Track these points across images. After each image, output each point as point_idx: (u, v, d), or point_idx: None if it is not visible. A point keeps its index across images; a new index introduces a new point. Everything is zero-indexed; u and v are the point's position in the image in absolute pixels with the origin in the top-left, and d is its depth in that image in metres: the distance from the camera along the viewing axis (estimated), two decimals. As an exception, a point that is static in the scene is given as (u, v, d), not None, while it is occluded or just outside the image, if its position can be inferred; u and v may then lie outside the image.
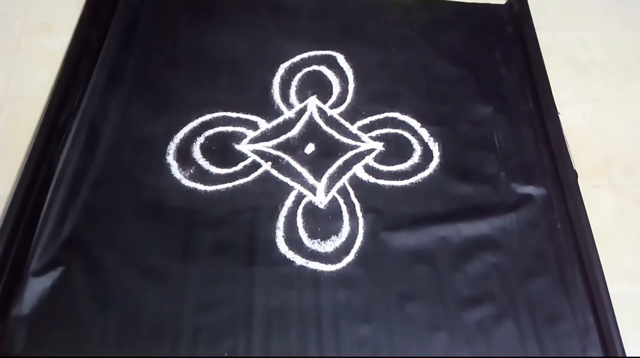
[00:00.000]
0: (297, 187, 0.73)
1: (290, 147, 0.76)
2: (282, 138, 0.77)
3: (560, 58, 0.90)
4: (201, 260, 0.67)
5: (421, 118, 0.80)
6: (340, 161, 0.75)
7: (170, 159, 0.74)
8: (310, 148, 0.76)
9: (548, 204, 0.74)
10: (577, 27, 0.94)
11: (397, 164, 0.76)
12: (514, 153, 0.78)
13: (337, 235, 0.70)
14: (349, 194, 0.73)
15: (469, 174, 0.75)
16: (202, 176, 0.72)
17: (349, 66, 0.84)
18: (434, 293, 0.67)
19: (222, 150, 0.75)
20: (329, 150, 0.76)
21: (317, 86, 0.82)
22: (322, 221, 0.71)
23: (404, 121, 0.80)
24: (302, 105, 0.80)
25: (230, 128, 0.76)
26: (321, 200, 0.72)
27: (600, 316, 0.65)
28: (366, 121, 0.79)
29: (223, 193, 0.72)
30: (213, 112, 0.78)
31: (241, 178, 0.73)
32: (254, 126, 0.77)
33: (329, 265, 0.67)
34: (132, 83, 0.80)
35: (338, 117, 0.79)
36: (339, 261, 0.68)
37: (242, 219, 0.70)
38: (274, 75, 0.82)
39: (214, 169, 0.73)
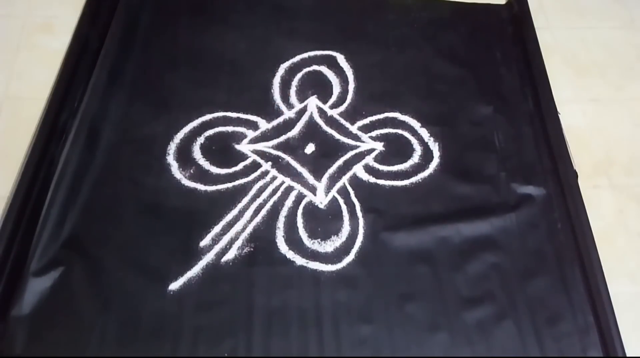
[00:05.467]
0: (297, 187, 0.73)
1: (291, 147, 0.76)
2: (282, 138, 0.77)
3: (560, 58, 0.90)
4: (201, 259, 0.67)
5: (421, 118, 0.80)
6: (340, 161, 0.75)
7: (171, 159, 0.74)
8: (310, 148, 0.76)
9: (548, 205, 0.74)
10: (577, 27, 0.95)
11: (397, 164, 0.76)
12: (514, 153, 0.78)
13: (337, 235, 0.70)
14: (349, 194, 0.73)
15: (469, 174, 0.75)
16: (202, 176, 0.72)
17: (349, 66, 0.84)
18: (434, 293, 0.67)
19: (223, 150, 0.75)
20: (329, 150, 0.76)
21: (317, 86, 0.82)
22: (322, 221, 0.71)
23: (404, 121, 0.80)
24: (302, 105, 0.80)
25: (230, 128, 0.76)
26: (321, 200, 0.72)
27: (601, 316, 0.65)
28: (366, 121, 0.79)
29: (223, 193, 0.72)
30: (213, 112, 0.78)
31: (241, 178, 0.73)
32: (254, 126, 0.77)
33: (329, 265, 0.67)
34: (132, 83, 0.80)
35: (338, 117, 0.79)
36: (339, 261, 0.68)
37: (243, 219, 0.70)
38: (274, 75, 0.82)
39: (214, 169, 0.73)
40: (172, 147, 0.75)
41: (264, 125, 0.78)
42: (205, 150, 0.75)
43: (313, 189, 0.73)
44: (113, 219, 0.69)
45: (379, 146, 0.77)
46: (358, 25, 0.89)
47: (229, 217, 0.70)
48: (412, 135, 0.79)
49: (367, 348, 0.63)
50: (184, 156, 0.74)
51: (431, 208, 0.72)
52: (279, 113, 0.79)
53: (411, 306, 0.66)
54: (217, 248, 0.68)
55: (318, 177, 0.74)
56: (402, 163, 0.76)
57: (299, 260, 0.68)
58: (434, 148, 0.77)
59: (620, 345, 0.63)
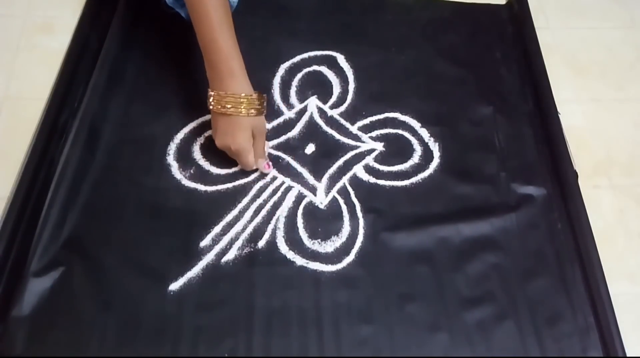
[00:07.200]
0: (298, 187, 0.73)
1: (291, 147, 0.76)
2: (283, 138, 0.77)
3: (560, 58, 0.90)
4: (201, 260, 0.67)
5: (421, 118, 0.80)
6: (340, 162, 0.75)
7: (171, 159, 0.74)
8: (310, 148, 0.76)
9: (548, 205, 0.74)
10: (577, 27, 0.95)
11: (397, 164, 0.76)
12: (514, 153, 0.78)
13: (338, 235, 0.70)
14: (349, 194, 0.73)
15: (469, 174, 0.76)
16: (202, 176, 0.72)
17: (349, 66, 0.84)
18: (434, 293, 0.67)
19: (223, 150, 0.75)
20: (329, 150, 0.76)
21: (317, 86, 0.82)
22: (323, 222, 0.71)
23: (404, 121, 0.80)
24: (302, 105, 0.80)
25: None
26: (321, 200, 0.72)
27: (601, 316, 0.65)
28: (366, 121, 0.79)
29: (223, 193, 0.72)
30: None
31: (241, 179, 0.73)
32: (254, 126, 0.77)
33: (330, 265, 0.67)
34: (132, 83, 0.80)
35: (338, 118, 0.79)
36: (340, 261, 0.68)
37: (243, 219, 0.70)
38: (274, 75, 0.82)
39: (214, 170, 0.73)
40: (172, 147, 0.75)
41: (264, 125, 0.78)
42: (206, 150, 0.75)
43: (313, 190, 0.73)
44: (113, 220, 0.69)
45: (379, 146, 0.77)
46: (358, 25, 0.89)
47: (229, 217, 0.70)
48: (412, 135, 0.79)
49: (367, 348, 0.63)
50: (184, 157, 0.74)
51: (431, 208, 0.72)
52: (279, 113, 0.79)
53: (411, 306, 0.66)
54: (217, 248, 0.68)
55: (318, 177, 0.74)
56: (402, 163, 0.76)
57: (299, 260, 0.68)
58: (434, 148, 0.77)
59: (620, 345, 0.63)
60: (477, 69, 0.86)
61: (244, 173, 0.73)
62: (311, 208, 0.72)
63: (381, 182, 0.74)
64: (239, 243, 0.68)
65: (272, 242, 0.69)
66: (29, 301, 0.62)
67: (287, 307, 0.64)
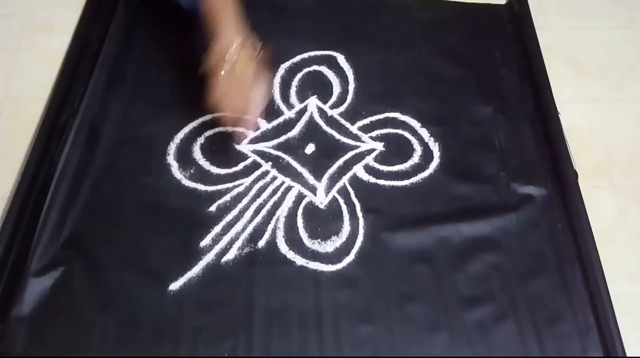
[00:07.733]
0: (298, 187, 0.73)
1: (291, 147, 0.76)
2: (283, 138, 0.77)
3: (560, 58, 0.90)
4: (201, 259, 0.67)
5: (421, 118, 0.80)
6: (340, 161, 0.75)
7: (171, 159, 0.74)
8: (310, 148, 0.76)
9: (548, 205, 0.74)
10: (577, 27, 0.95)
11: (397, 164, 0.76)
12: (514, 153, 0.78)
13: (338, 235, 0.70)
14: (349, 194, 0.73)
15: (469, 174, 0.76)
16: (202, 176, 0.72)
17: (349, 66, 0.84)
18: (434, 293, 0.67)
19: (223, 150, 0.75)
20: (329, 150, 0.76)
21: (317, 86, 0.82)
22: (323, 222, 0.71)
23: (404, 121, 0.80)
24: (302, 105, 0.80)
25: (230, 128, 0.76)
26: (321, 200, 0.72)
27: (601, 316, 0.65)
28: (366, 121, 0.79)
29: (223, 193, 0.72)
30: (213, 112, 0.78)
31: (241, 178, 0.73)
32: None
33: (330, 265, 0.68)
34: (132, 83, 0.80)
35: (338, 118, 0.79)
36: (340, 261, 0.68)
37: (243, 219, 0.70)
38: (274, 75, 0.82)
39: (214, 170, 0.73)
40: (172, 147, 0.75)
41: (264, 125, 0.78)
42: (205, 150, 0.75)
43: (313, 190, 0.73)
44: (113, 220, 0.69)
45: (379, 146, 0.77)
46: (358, 25, 0.89)
47: (229, 217, 0.70)
48: (412, 135, 0.79)
49: (368, 348, 0.63)
50: (184, 156, 0.74)
51: (431, 208, 0.72)
52: (279, 113, 0.79)
53: (411, 306, 0.66)
54: (217, 248, 0.68)
55: (318, 177, 0.74)
56: (402, 163, 0.76)
57: (299, 260, 0.68)
58: (434, 148, 0.77)
59: (620, 345, 0.63)
60: (477, 69, 0.86)
61: (244, 173, 0.73)
62: (311, 208, 0.72)
63: (381, 182, 0.74)
64: (239, 243, 0.68)
65: (272, 242, 0.69)
66: (29, 301, 0.62)
67: (287, 307, 0.64)
